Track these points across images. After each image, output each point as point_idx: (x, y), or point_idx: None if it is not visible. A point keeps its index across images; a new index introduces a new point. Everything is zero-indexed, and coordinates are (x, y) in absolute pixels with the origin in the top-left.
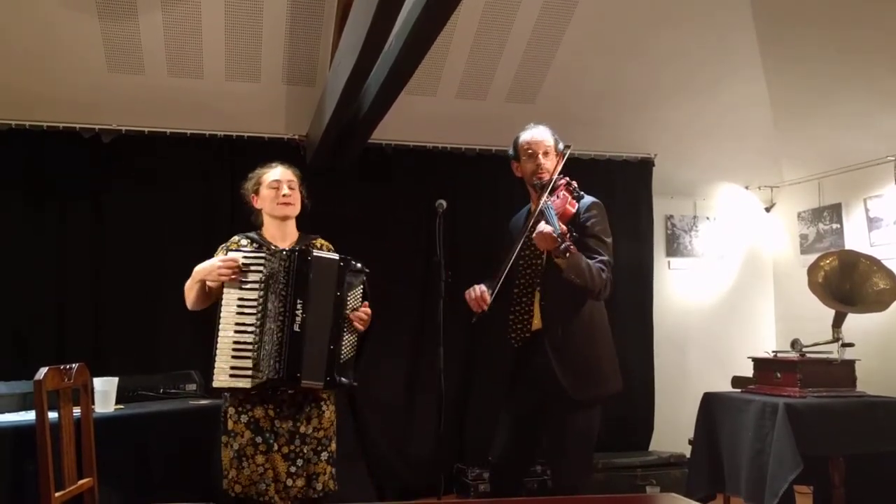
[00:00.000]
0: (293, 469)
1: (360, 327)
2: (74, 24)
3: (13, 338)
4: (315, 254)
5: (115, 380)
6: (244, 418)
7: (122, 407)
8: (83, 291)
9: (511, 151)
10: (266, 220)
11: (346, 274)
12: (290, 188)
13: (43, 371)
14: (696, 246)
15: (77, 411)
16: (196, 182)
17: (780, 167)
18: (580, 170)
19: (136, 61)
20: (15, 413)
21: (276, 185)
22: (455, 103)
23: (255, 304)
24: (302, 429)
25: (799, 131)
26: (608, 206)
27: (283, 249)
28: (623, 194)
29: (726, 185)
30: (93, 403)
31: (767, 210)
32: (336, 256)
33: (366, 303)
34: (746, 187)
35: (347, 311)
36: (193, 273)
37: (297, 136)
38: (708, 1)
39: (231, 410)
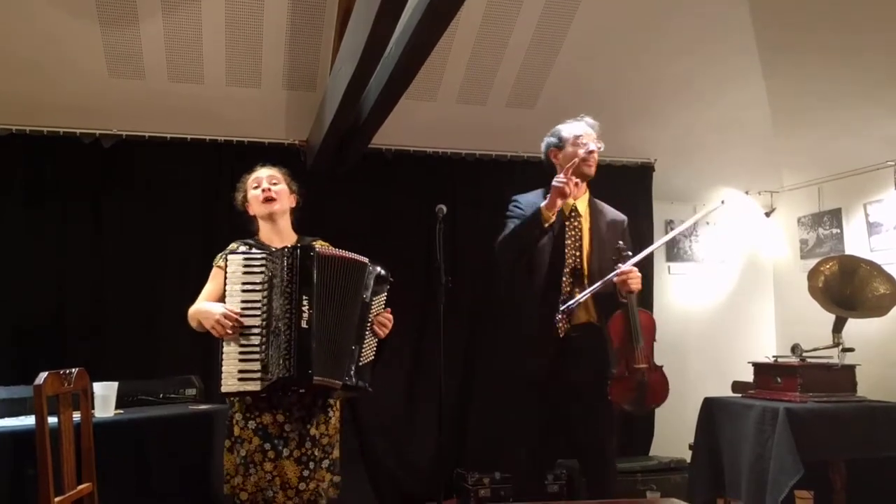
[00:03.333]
0: (305, 473)
1: (381, 333)
2: (75, 29)
3: (13, 342)
4: (319, 251)
5: (115, 384)
6: (252, 424)
7: (121, 412)
8: (83, 296)
9: (552, 140)
10: (260, 224)
11: (373, 278)
12: (272, 183)
13: (43, 376)
14: (696, 251)
15: (77, 416)
16: (196, 187)
17: (780, 172)
18: None
19: (136, 66)
20: (15, 418)
21: (256, 183)
22: (455, 108)
23: (259, 305)
24: (312, 431)
25: (799, 136)
26: None
27: (285, 247)
28: (623, 199)
29: (726, 190)
30: (92, 408)
31: (767, 215)
32: (366, 260)
33: (388, 309)
34: (746, 192)
35: (372, 316)
36: (193, 310)
37: (297, 142)
38: (707, 7)
39: (238, 416)
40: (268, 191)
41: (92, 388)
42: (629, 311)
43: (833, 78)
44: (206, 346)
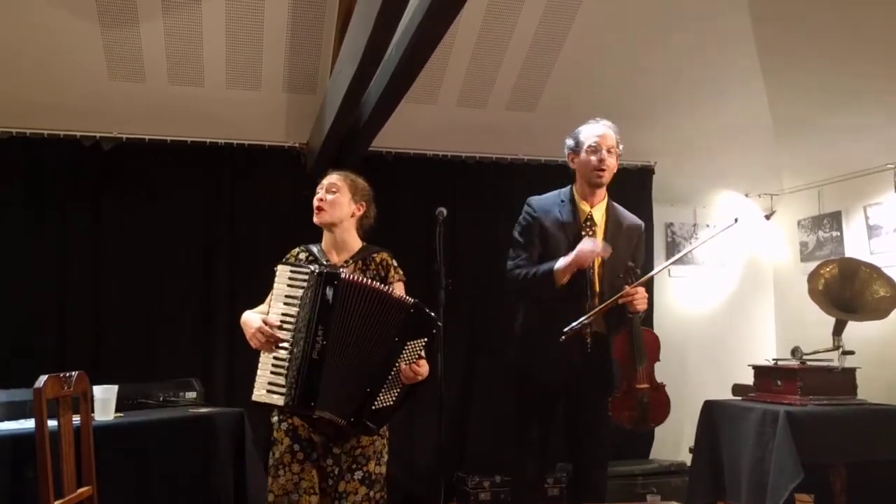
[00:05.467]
0: (324, 485)
1: (405, 381)
2: (76, 31)
3: (13, 346)
4: (346, 279)
5: (115, 388)
6: (284, 426)
7: (121, 415)
8: (83, 299)
9: (570, 142)
10: (324, 231)
11: (413, 320)
12: (330, 191)
13: (42, 379)
14: (696, 254)
15: (76, 419)
16: (196, 190)
17: (780, 175)
18: None
19: (136, 69)
20: (14, 421)
21: (318, 188)
22: (455, 111)
23: (292, 321)
24: (335, 449)
25: (799, 139)
26: None
27: (316, 269)
28: (623, 202)
29: (726, 193)
30: (92, 411)
31: (767, 218)
32: (408, 300)
33: (422, 359)
34: (746, 195)
35: (400, 361)
36: (242, 320)
37: (297, 145)
38: (708, 10)
39: (275, 418)
40: (319, 200)
41: (92, 391)
42: (632, 331)
43: (833, 81)
44: (206, 348)
